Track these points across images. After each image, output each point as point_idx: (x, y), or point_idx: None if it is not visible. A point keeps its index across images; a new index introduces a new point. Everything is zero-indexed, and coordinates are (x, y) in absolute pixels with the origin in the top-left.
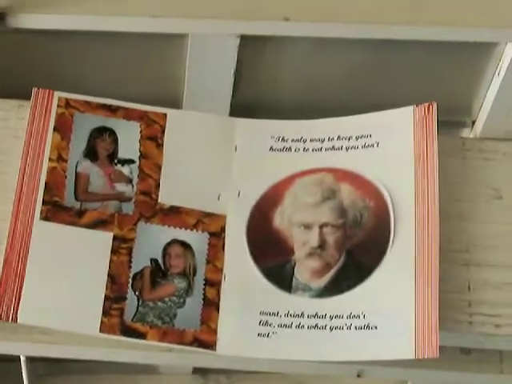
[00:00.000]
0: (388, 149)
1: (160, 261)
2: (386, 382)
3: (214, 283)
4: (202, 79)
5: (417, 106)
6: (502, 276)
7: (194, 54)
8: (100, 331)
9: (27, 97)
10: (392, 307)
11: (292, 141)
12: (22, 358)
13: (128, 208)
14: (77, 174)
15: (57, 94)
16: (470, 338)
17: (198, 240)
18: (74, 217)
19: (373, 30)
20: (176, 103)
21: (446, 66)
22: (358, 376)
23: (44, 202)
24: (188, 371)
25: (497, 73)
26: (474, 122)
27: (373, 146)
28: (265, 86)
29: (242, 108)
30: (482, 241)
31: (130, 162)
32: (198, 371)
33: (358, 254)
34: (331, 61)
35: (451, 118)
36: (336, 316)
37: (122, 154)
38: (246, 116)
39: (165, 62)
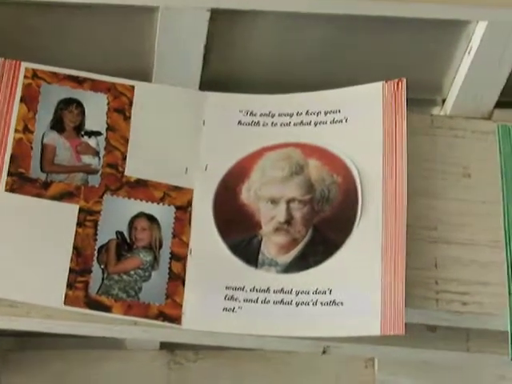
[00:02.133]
0: (357, 124)
1: (126, 234)
2: (353, 358)
3: (179, 257)
4: (172, 53)
5: (386, 82)
6: (470, 254)
7: (165, 27)
8: (65, 304)
9: None
10: (358, 284)
11: (260, 115)
12: None
13: (94, 180)
14: (43, 146)
15: (24, 65)
16: (436, 315)
17: (164, 213)
18: (39, 189)
19: (344, 6)
20: (146, 77)
21: (417, 44)
22: (324, 352)
23: (9, 174)
24: (155, 347)
25: (467, 51)
26: (444, 101)
27: (341, 121)
28: (235, 60)
29: (212, 83)
30: (450, 218)
31: (97, 134)
32: (166, 347)
33: (325, 229)
34: (302, 36)
35: (421, 96)
36: (302, 292)
37: (89, 125)
38: (217, 91)
39: (135, 35)
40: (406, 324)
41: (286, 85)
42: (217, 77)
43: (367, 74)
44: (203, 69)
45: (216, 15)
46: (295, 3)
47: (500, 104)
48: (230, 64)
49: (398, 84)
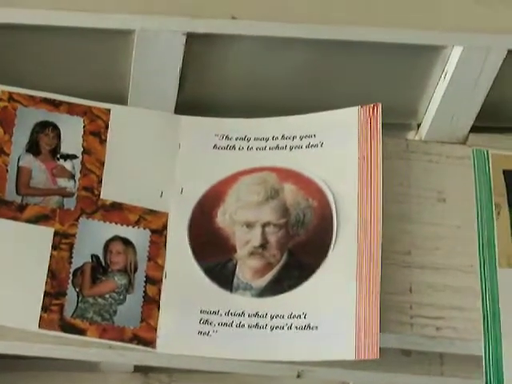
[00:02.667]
0: (332, 149)
1: (101, 257)
2: (327, 382)
3: (154, 280)
4: (148, 76)
5: (362, 106)
6: (444, 278)
7: (140, 50)
8: (39, 327)
9: None
10: (333, 308)
11: (236, 139)
12: None
13: (70, 203)
14: (19, 168)
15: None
16: (411, 339)
17: (139, 237)
18: (14, 211)
19: (320, 31)
20: (121, 100)
21: (392, 68)
22: (298, 376)
23: None
24: (129, 369)
25: (443, 76)
26: (419, 125)
27: (317, 145)
28: (211, 84)
29: (187, 106)
30: (424, 243)
31: (73, 157)
32: (140, 370)
33: (299, 253)
34: (278, 60)
35: (397, 121)
36: (277, 316)
37: (65, 149)
38: (192, 114)
39: (111, 58)
40: (380, 348)
41: (262, 109)
42: (192, 100)
43: (342, 98)
44: (179, 92)
45: (192, 39)
46: (271, 28)
47: (475, 129)
48: (206, 87)
49: (373, 109)
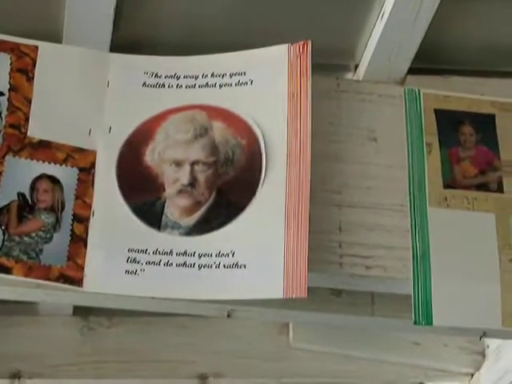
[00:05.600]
0: (262, 87)
1: (27, 195)
2: (266, 324)
3: (82, 219)
4: (82, 15)
5: (291, 44)
6: (374, 218)
7: None
8: None
9: None
10: (262, 247)
11: (165, 77)
12: None
13: None
14: None
15: None
16: (340, 279)
17: (67, 175)
18: None
19: None
20: (56, 40)
21: (329, 8)
22: (229, 316)
23: None
24: (68, 312)
25: (380, 16)
26: (357, 66)
27: (246, 83)
28: (147, 23)
29: (123, 46)
30: (355, 182)
31: None
32: (79, 313)
33: (228, 192)
34: None
35: (334, 61)
36: (205, 254)
37: None
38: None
39: None
40: (309, 288)
41: (197, 47)
42: (128, 40)
43: (278, 37)
44: (114, 32)
45: None
46: None
47: (414, 70)
48: (141, 27)
49: (303, 47)
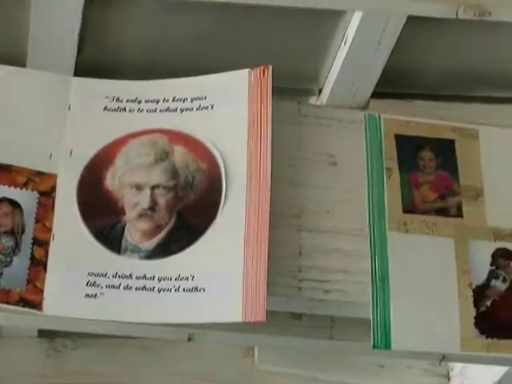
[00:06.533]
0: (223, 111)
1: None
2: (232, 347)
3: (42, 242)
4: (46, 39)
5: (252, 69)
6: (333, 242)
7: (39, 11)
8: None
9: None
10: (221, 270)
11: (127, 101)
12: None
13: None
14: None
15: None
16: (299, 303)
17: (27, 199)
18: None
19: None
20: (20, 64)
21: (292, 33)
22: (189, 340)
23: None
24: (33, 334)
25: (343, 41)
26: (321, 90)
27: (207, 108)
28: (111, 47)
29: (87, 70)
30: (314, 206)
31: None
32: (44, 335)
33: (188, 215)
34: (177, 23)
35: (298, 86)
36: (164, 278)
37: None
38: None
39: (8, 21)
40: (270, 312)
41: (160, 71)
42: (92, 64)
43: (240, 62)
44: (78, 56)
45: (90, 1)
46: None
47: (378, 95)
48: (105, 51)
49: (263, 71)
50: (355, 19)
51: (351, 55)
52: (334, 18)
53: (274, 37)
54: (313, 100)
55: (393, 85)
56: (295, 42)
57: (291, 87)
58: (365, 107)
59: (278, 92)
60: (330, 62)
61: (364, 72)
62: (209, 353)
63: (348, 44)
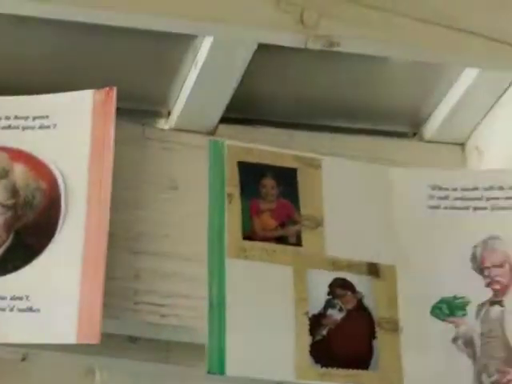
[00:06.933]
0: (65, 131)
1: None
2: (73, 366)
3: None
4: None
5: (96, 90)
6: (171, 266)
7: None
8: None
9: None
10: (56, 291)
11: None
12: None
13: None
14: None
15: None
16: (136, 326)
17: None
18: None
19: (64, 12)
20: None
21: (142, 55)
22: (23, 360)
23: None
24: None
25: (194, 65)
26: (169, 113)
27: (49, 127)
28: None
29: None
30: (153, 230)
31: None
32: None
33: (26, 235)
34: (21, 40)
35: (146, 108)
36: None
37: None
38: None
39: None
40: (107, 334)
41: (2, 88)
42: None
43: (88, 82)
44: None
45: None
46: (19, 6)
47: (227, 120)
48: None
49: (108, 93)
50: (206, 44)
51: (201, 79)
52: (185, 41)
53: (122, 58)
54: (161, 123)
55: (242, 111)
56: (144, 64)
57: (139, 109)
58: (212, 132)
59: (125, 114)
60: (180, 84)
61: (213, 97)
62: (44, 372)
63: (198, 68)
